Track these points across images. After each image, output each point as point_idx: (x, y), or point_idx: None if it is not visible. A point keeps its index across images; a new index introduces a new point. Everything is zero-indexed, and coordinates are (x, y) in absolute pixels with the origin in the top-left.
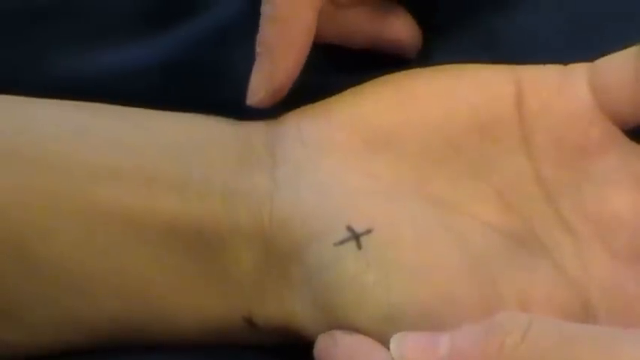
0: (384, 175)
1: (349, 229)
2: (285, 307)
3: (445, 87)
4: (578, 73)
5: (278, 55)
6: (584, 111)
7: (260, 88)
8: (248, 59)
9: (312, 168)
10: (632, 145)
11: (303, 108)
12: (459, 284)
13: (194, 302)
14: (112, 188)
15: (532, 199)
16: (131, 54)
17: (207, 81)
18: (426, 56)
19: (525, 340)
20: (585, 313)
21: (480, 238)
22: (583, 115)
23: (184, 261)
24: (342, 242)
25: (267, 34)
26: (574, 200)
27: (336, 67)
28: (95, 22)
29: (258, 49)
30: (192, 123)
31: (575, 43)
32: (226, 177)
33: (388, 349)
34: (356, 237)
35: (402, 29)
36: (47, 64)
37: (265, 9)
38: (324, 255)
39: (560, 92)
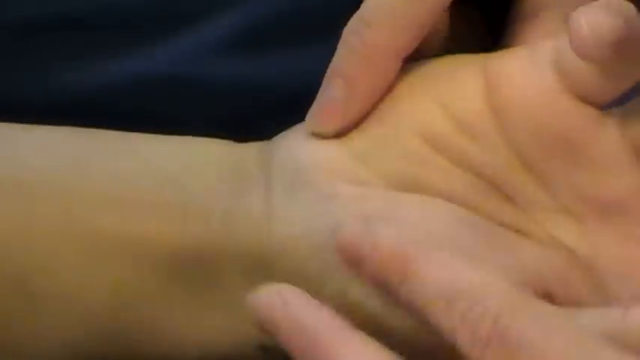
0: (375, 182)
1: None
2: None
3: (419, 87)
4: (543, 58)
5: (357, 96)
6: (555, 97)
7: (330, 121)
8: (244, 73)
9: (305, 186)
10: (615, 122)
11: (294, 127)
12: None
13: (200, 329)
14: (112, 219)
15: (528, 189)
16: (137, 64)
17: (202, 94)
18: None
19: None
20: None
21: (480, 227)
22: (556, 101)
23: (188, 289)
24: None
25: (352, 68)
26: (571, 188)
27: None
28: (99, 33)
29: (335, 79)
30: (188, 147)
31: None
32: (224, 202)
33: None
34: None
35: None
36: (51, 76)
37: (352, 42)
38: (326, 268)
39: (528, 82)
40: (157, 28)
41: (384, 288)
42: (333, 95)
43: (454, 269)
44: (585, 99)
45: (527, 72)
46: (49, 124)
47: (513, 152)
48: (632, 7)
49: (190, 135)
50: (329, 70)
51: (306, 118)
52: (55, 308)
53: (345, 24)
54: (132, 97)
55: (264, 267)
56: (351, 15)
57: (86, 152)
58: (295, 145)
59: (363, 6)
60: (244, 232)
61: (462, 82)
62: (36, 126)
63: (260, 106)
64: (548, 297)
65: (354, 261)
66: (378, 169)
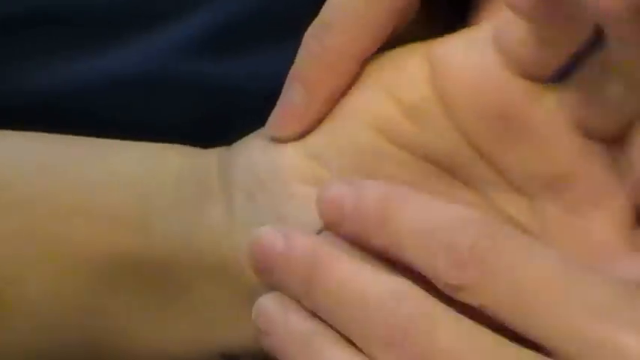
0: (330, 178)
1: None
2: None
3: (368, 79)
4: (483, 37)
5: (317, 100)
6: (495, 74)
7: (289, 126)
8: (215, 73)
9: (264, 191)
10: (555, 95)
11: (253, 133)
12: None
13: (167, 339)
14: (77, 230)
15: (479, 171)
16: (109, 62)
17: (174, 94)
18: None
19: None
20: None
21: None
22: (496, 78)
23: (154, 300)
24: None
25: (312, 73)
26: (518, 165)
27: None
28: (73, 30)
29: (294, 84)
30: (150, 156)
31: None
32: (185, 214)
33: None
34: None
35: None
36: (24, 74)
37: (311, 46)
38: None
39: (468, 62)
40: (130, 27)
41: (361, 240)
42: (293, 101)
43: (432, 207)
44: (525, 74)
45: (467, 52)
46: (22, 123)
47: (461, 134)
48: None
49: (162, 135)
50: (289, 75)
51: (267, 124)
52: (20, 316)
53: None
54: (105, 95)
55: (231, 277)
56: None
57: (52, 160)
58: (254, 151)
59: (324, 8)
60: (208, 246)
61: (407, 70)
62: (3, 132)
63: (232, 106)
64: None
65: (335, 220)
66: (333, 165)
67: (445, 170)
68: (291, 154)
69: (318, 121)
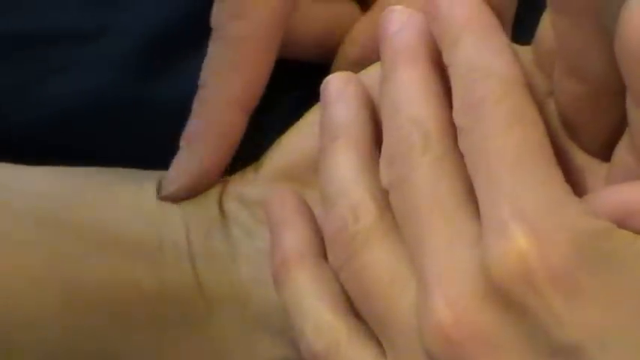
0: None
1: None
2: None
3: None
4: None
5: (197, 154)
6: None
7: (174, 181)
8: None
9: (261, 227)
10: None
11: (244, 169)
12: None
13: None
14: (95, 268)
15: None
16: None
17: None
18: None
19: None
20: None
21: None
22: None
23: (166, 338)
24: None
25: (190, 129)
26: None
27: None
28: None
29: (180, 143)
30: (151, 184)
31: None
32: (192, 245)
33: None
34: None
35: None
36: (43, 89)
37: (195, 103)
38: None
39: None
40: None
41: None
42: (177, 156)
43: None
44: None
45: None
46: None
47: None
48: None
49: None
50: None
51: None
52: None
53: None
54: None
55: (240, 306)
56: None
57: (67, 193)
58: (242, 186)
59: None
60: (216, 278)
61: None
62: (26, 168)
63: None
64: None
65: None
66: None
67: None
68: (274, 185)
69: (215, 176)
